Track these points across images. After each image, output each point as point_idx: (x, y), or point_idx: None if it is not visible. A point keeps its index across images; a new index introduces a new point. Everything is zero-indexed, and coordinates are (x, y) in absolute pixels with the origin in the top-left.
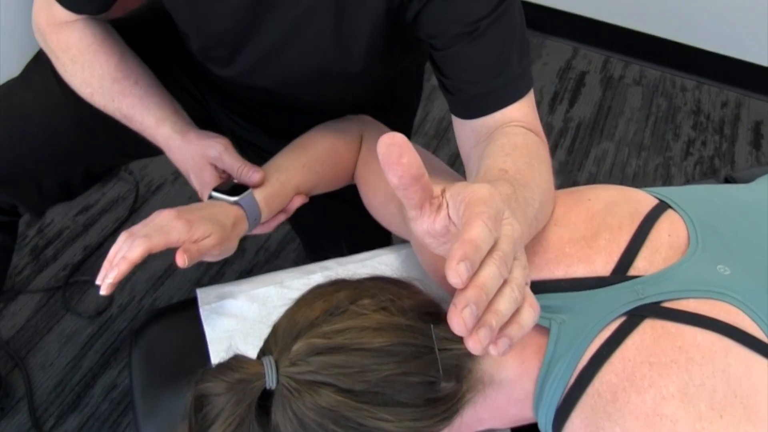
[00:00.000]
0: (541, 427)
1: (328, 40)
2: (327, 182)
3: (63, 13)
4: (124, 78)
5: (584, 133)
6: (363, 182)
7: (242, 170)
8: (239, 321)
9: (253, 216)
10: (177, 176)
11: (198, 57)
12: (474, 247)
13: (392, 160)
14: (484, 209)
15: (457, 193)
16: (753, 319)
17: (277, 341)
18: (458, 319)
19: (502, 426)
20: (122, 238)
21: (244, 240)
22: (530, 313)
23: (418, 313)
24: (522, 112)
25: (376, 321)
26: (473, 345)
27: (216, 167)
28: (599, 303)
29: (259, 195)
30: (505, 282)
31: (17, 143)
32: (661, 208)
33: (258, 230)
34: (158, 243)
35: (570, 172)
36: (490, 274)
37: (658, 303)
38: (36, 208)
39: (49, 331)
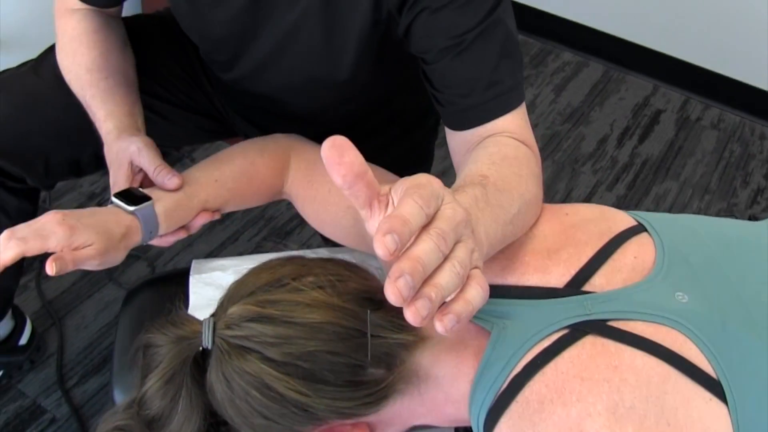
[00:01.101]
0: (474, 429)
1: (318, 49)
2: (240, 200)
3: (72, 0)
4: (97, 71)
5: (649, 171)
6: (309, 200)
7: (159, 171)
8: (222, 292)
9: (149, 229)
10: None
11: (205, 60)
12: (401, 221)
13: (334, 161)
14: (416, 190)
15: (399, 186)
16: (701, 350)
17: (222, 304)
18: (393, 289)
19: (441, 424)
20: (4, 236)
21: (287, 236)
22: (477, 291)
23: (358, 297)
24: (514, 124)
25: (311, 298)
26: (412, 316)
27: (133, 168)
28: (544, 313)
29: (160, 207)
30: (446, 258)
31: (25, 119)
32: (636, 230)
33: (155, 242)
34: (33, 248)
35: (627, 207)
36: (425, 248)
37: (604, 321)
38: (43, 182)
39: (90, 297)
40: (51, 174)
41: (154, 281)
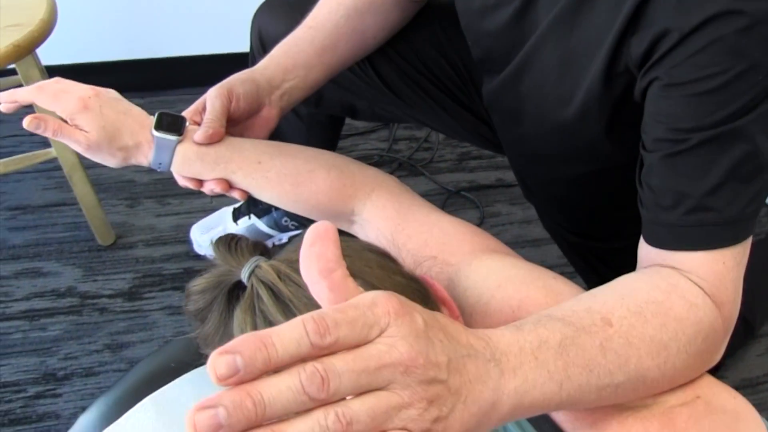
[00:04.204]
0: None
1: (550, 81)
2: (277, 197)
3: None
4: (312, 18)
5: None
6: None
7: (206, 123)
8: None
9: (159, 159)
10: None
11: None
12: (258, 344)
13: (306, 245)
14: (335, 311)
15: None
16: None
17: (274, 252)
18: (188, 420)
19: None
20: (36, 84)
21: None
22: None
23: None
24: (710, 267)
25: None
26: None
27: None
28: None
29: (181, 148)
30: (318, 407)
31: None
32: None
33: (176, 176)
34: (42, 102)
35: None
36: (280, 384)
37: None
38: (315, 109)
39: None
40: (324, 106)
41: None
